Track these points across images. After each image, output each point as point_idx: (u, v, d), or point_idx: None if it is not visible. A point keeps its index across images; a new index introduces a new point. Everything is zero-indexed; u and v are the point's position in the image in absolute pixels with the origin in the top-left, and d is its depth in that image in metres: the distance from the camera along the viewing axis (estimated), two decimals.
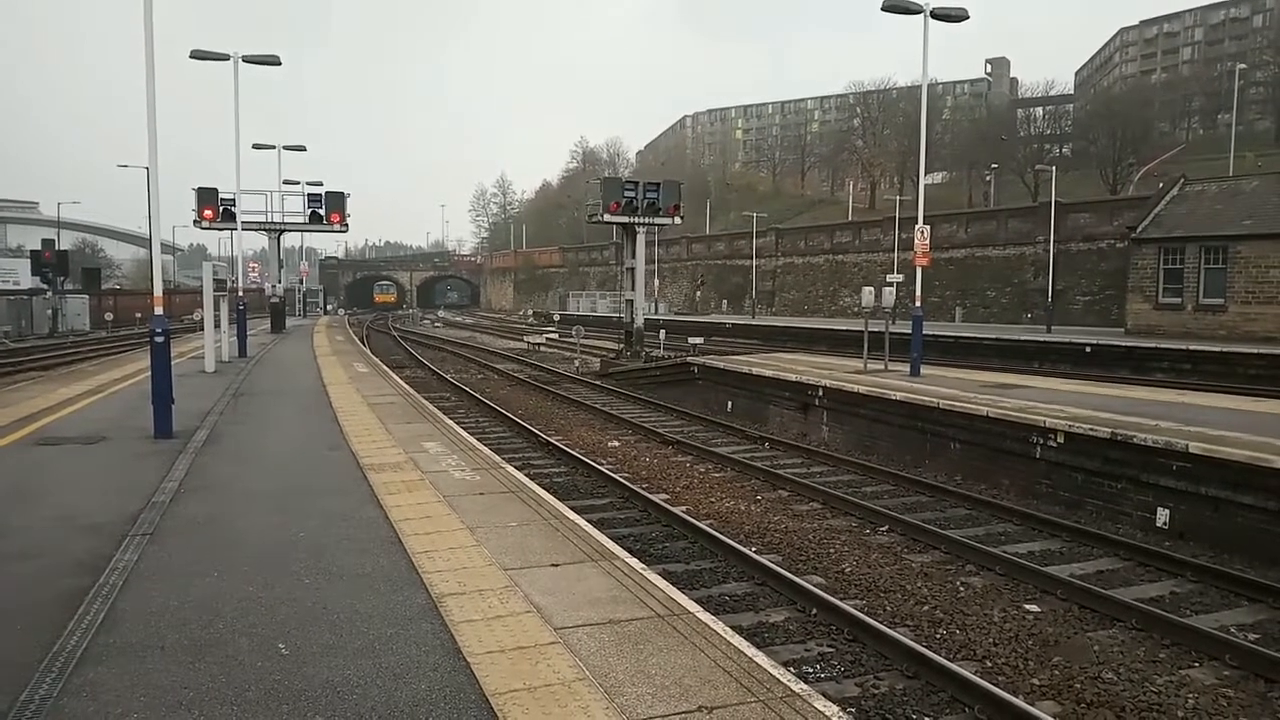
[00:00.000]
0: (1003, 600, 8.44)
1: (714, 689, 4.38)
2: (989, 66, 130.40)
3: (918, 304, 20.10)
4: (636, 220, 31.90)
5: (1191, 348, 26.48)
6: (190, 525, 7.29)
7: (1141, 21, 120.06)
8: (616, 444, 16.96)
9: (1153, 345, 27.72)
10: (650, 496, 11.92)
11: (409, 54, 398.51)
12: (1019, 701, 6.03)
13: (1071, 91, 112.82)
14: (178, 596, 5.59)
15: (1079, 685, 6.60)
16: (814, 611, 7.87)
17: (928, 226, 20.20)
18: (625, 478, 13.33)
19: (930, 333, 26.36)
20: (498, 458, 10.56)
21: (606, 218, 31.88)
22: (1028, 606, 8.25)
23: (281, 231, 41.48)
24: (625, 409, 21.83)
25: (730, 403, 21.21)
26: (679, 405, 21.92)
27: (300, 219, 40.68)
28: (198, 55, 23.64)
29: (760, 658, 4.80)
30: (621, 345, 34.00)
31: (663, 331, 37.81)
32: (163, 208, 12.64)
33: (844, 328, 39.80)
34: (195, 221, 37.14)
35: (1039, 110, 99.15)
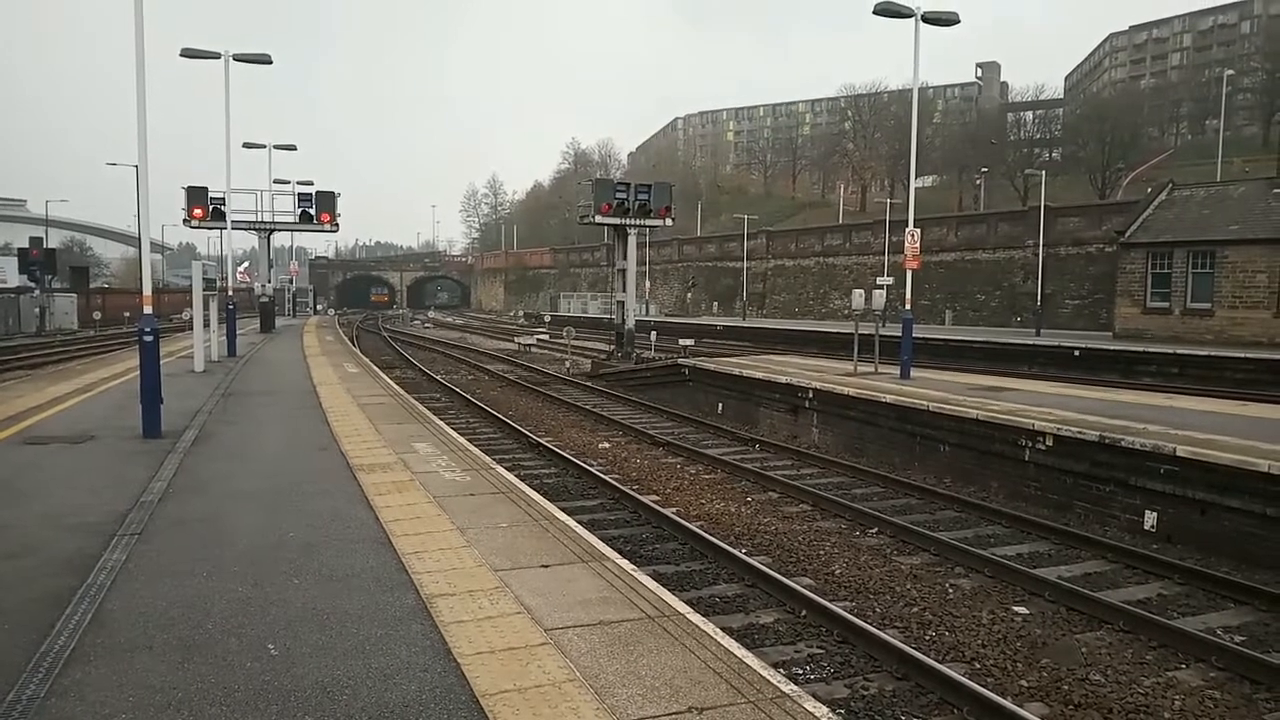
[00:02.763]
0: (991, 602, 8.48)
1: (704, 690, 4.39)
2: (979, 70, 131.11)
3: (907, 307, 20.17)
4: (628, 222, 31.90)
5: (1179, 351, 26.64)
6: (179, 525, 7.25)
7: (1131, 27, 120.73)
8: (607, 445, 16.96)
9: (1141, 349, 27.88)
10: (641, 498, 11.93)
11: (401, 54, 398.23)
12: (1007, 703, 6.06)
13: (1061, 96, 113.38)
14: (166, 596, 5.57)
15: (1067, 687, 6.64)
16: (804, 613, 7.88)
17: (918, 230, 20.26)
18: (616, 479, 13.33)
19: (920, 335, 26.40)
20: (488, 459, 10.55)
21: (598, 219, 31.87)
22: (1016, 608, 8.29)
23: (271, 231, 41.31)
24: (616, 410, 21.83)
25: (721, 404, 21.23)
26: (670, 407, 21.93)
27: (290, 218, 40.53)
28: (188, 54, 23.54)
29: (750, 659, 4.81)
30: (612, 346, 34.00)
31: (654, 333, 37.81)
32: (152, 206, 12.61)
33: (834, 330, 39.91)
34: (185, 220, 36.96)
35: (1029, 114, 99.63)
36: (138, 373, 11.91)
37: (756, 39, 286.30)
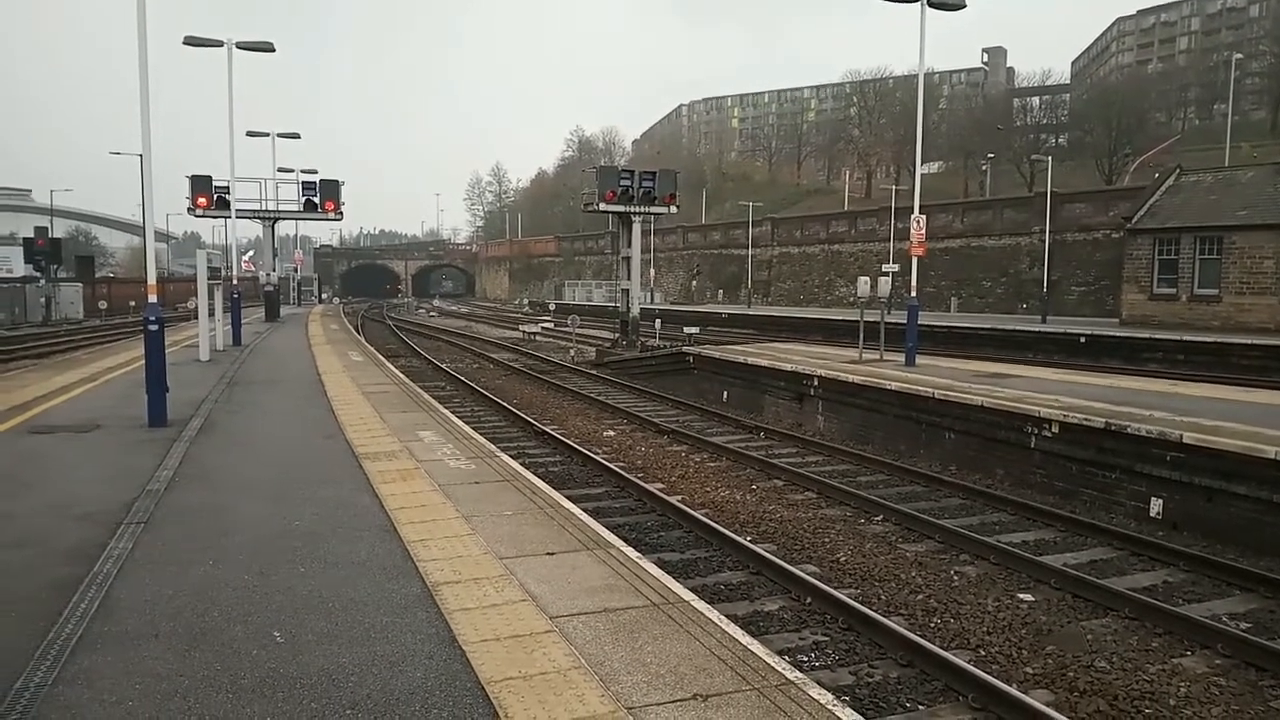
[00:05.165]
0: (997, 589, 8.47)
1: (709, 677, 4.39)
2: (985, 56, 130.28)
3: (913, 294, 20.11)
4: (632, 209, 31.85)
5: (1185, 338, 26.54)
6: (185, 513, 7.28)
7: (1138, 11, 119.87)
8: (612, 433, 16.97)
9: (1147, 336, 27.77)
10: (645, 485, 11.93)
11: (405, 43, 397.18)
12: (1012, 690, 6.06)
13: (1068, 81, 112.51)
14: (173, 585, 5.59)
15: (1072, 674, 6.64)
16: (809, 600, 7.89)
17: (923, 216, 20.18)
18: (621, 467, 13.34)
19: (925, 323, 26.34)
20: (493, 446, 10.56)
21: (602, 207, 31.84)
22: (1021, 595, 8.29)
23: (276, 220, 41.37)
24: (621, 398, 21.84)
25: (726, 392, 21.22)
26: (674, 395, 21.92)
27: (295, 207, 40.56)
28: (191, 42, 23.50)
29: (755, 646, 4.81)
30: (617, 335, 33.99)
31: (658, 321, 37.77)
32: (157, 195, 12.61)
33: (839, 318, 39.81)
34: (189, 209, 36.97)
35: (1035, 100, 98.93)
36: (143, 362, 11.93)
37: (760, 24, 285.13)
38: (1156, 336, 27.45)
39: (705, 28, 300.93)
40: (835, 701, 4.21)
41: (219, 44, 23.93)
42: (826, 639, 7.17)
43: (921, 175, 21.87)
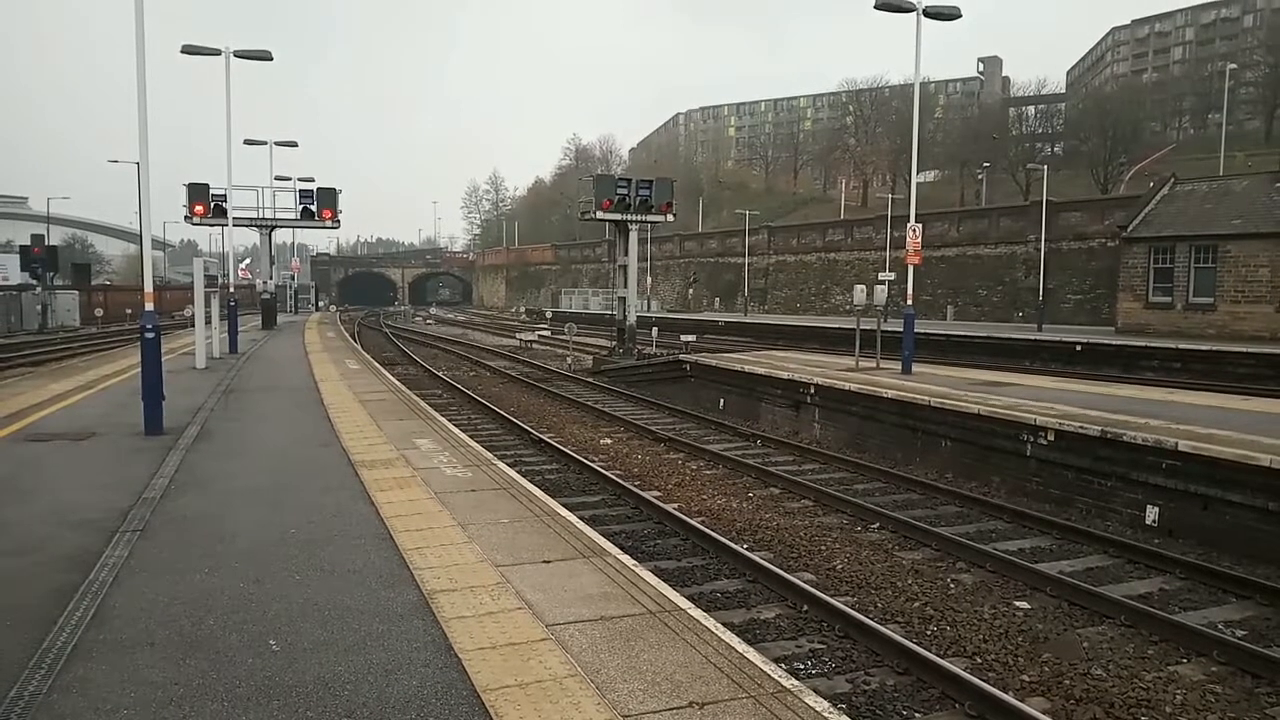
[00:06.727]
0: (993, 597, 8.48)
1: (705, 685, 4.39)
2: (981, 65, 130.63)
3: (909, 302, 20.14)
4: (629, 218, 31.91)
5: (1181, 346, 26.58)
6: (181, 521, 7.27)
7: (1133, 21, 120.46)
8: (609, 441, 16.96)
9: (1142, 344, 27.81)
10: (642, 494, 11.92)
11: (401, 50, 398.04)
12: (1009, 698, 6.06)
13: (1063, 90, 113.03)
14: (168, 593, 5.58)
15: (1069, 681, 6.64)
16: (805, 608, 7.88)
17: (919, 225, 20.23)
18: (617, 475, 13.33)
19: (922, 331, 26.41)
20: (489, 455, 10.55)
21: (599, 215, 31.89)
22: (1018, 603, 8.29)
23: (273, 227, 41.37)
24: (617, 406, 21.83)
25: (722, 400, 21.23)
26: (671, 403, 21.93)
27: (292, 215, 40.59)
28: (189, 50, 23.50)
29: (751, 654, 4.82)
30: (614, 343, 34.02)
31: (655, 329, 37.79)
32: (154, 203, 12.61)
33: (836, 326, 39.87)
34: (186, 217, 37.00)
35: (1031, 109, 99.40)
36: (139, 369, 11.93)
37: (756, 33, 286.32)
38: (1152, 345, 27.49)
39: (707, 25, 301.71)
40: (831, 709, 4.22)
41: (216, 53, 23.93)
42: (823, 647, 7.17)
43: (917, 184, 21.93)
